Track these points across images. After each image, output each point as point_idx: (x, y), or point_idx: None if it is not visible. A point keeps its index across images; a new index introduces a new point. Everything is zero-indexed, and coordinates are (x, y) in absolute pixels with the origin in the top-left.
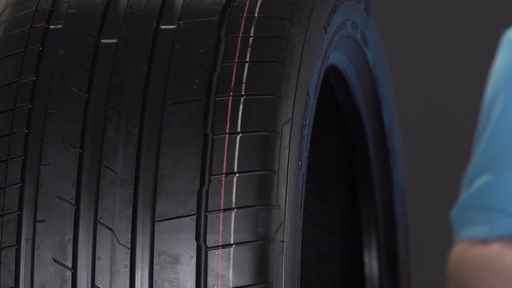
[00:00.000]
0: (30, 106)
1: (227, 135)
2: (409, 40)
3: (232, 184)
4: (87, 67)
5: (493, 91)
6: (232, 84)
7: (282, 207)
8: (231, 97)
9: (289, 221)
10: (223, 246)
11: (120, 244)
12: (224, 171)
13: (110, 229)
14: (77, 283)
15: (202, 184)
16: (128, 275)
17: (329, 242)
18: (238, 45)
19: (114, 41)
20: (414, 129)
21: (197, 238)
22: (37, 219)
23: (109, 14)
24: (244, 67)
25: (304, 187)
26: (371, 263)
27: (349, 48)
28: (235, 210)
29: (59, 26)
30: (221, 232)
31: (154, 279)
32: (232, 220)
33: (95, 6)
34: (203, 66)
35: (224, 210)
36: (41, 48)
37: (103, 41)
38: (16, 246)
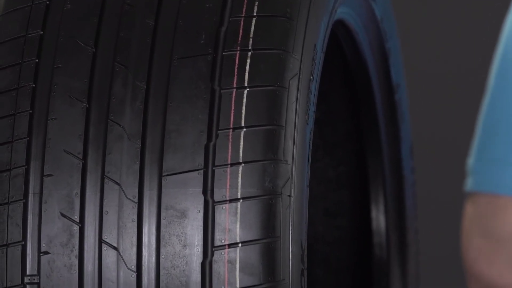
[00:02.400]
0: (37, 60)
1: (234, 90)
2: None
3: (239, 139)
4: (94, 21)
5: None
6: (239, 39)
7: (289, 161)
8: (238, 52)
9: (296, 176)
10: (230, 200)
11: (128, 198)
12: (231, 126)
13: (118, 184)
14: (85, 237)
15: (209, 138)
16: (135, 229)
17: (336, 197)
18: None
19: None
20: (421, 84)
21: (204, 192)
22: (45, 173)
23: None
24: (251, 22)
25: (311, 142)
26: (378, 218)
27: (356, 3)
28: (242, 164)
29: None
30: (228, 187)
31: (161, 233)
32: (239, 174)
33: None
34: (210, 20)
35: (231, 164)
36: (48, 2)
37: None
38: (24, 201)
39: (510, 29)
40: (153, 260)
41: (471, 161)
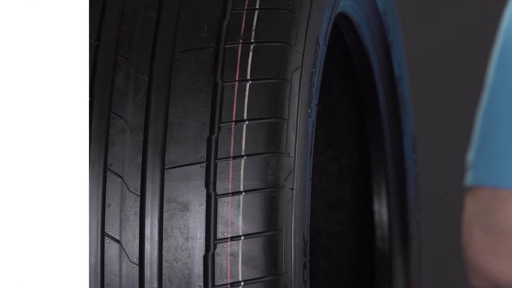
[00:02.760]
0: None
1: (237, 83)
2: None
3: (242, 132)
4: (96, 14)
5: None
6: (242, 32)
7: (292, 154)
8: (240, 45)
9: (298, 169)
10: (233, 193)
11: (130, 191)
12: (233, 119)
13: (120, 176)
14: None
15: (211, 131)
16: (137, 222)
17: (338, 190)
18: None
19: None
20: (424, 76)
21: (206, 185)
22: None
23: None
24: (253, 14)
25: (313, 135)
26: (381, 211)
27: None
28: (245, 157)
29: None
30: (230, 180)
31: (164, 226)
32: (242, 167)
33: None
34: (213, 13)
35: (234, 157)
36: None
37: None
38: None
39: (509, 21)
40: (155, 253)
41: (471, 155)
